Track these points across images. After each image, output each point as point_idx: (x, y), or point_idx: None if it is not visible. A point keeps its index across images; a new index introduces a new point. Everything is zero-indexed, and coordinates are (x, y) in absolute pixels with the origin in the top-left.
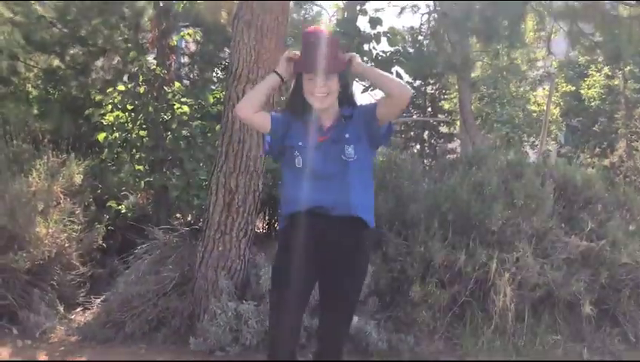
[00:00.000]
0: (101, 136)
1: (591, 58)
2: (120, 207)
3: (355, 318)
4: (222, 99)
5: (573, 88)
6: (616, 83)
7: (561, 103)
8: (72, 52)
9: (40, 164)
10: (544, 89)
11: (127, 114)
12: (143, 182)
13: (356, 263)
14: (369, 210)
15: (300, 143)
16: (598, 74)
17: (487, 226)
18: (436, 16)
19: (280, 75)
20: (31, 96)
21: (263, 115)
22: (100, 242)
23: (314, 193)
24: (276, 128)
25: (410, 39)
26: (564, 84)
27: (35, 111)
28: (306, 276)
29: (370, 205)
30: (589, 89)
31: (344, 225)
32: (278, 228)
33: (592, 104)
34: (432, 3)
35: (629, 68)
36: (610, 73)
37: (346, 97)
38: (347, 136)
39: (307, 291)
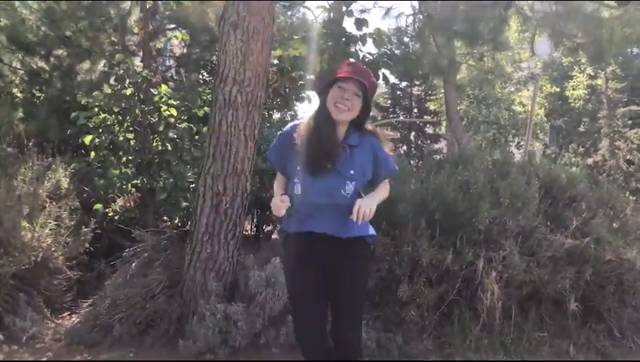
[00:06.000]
0: (87, 139)
1: (574, 59)
2: (107, 210)
3: None
4: (209, 101)
5: (558, 90)
6: (598, 83)
7: (546, 104)
8: (57, 54)
9: (25, 168)
10: (529, 90)
11: (113, 116)
12: (130, 184)
13: (356, 276)
14: (365, 226)
15: (299, 168)
16: (582, 75)
17: (474, 225)
18: (421, 17)
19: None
20: (16, 99)
21: (283, 180)
22: (87, 246)
23: (312, 220)
24: (274, 159)
25: (396, 41)
26: (548, 86)
27: (21, 115)
28: (319, 288)
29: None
30: (573, 90)
31: (342, 245)
32: (279, 238)
33: (576, 104)
34: (416, 5)
35: (610, 68)
36: (593, 73)
37: (362, 121)
38: (352, 172)
39: (324, 301)
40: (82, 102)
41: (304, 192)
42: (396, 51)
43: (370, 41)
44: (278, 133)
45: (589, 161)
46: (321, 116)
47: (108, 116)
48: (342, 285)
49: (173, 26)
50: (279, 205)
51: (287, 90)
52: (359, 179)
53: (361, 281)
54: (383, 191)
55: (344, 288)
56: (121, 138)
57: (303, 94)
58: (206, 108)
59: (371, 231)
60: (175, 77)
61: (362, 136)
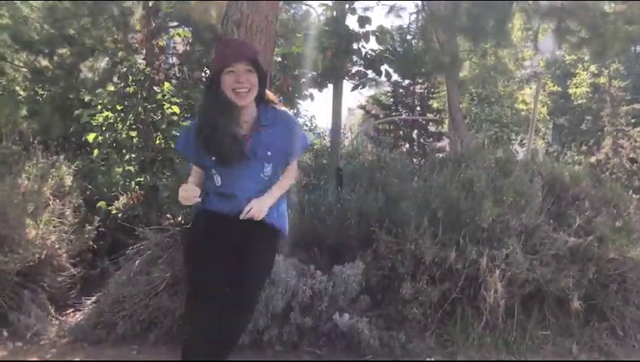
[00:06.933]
0: (91, 137)
1: (577, 55)
2: (110, 208)
3: (346, 316)
4: None
5: (560, 89)
6: (602, 81)
7: (548, 102)
8: (60, 52)
9: (29, 166)
10: (531, 88)
11: (116, 114)
12: (133, 182)
13: (253, 262)
14: (281, 217)
15: (214, 158)
16: (585, 72)
17: (477, 223)
18: (424, 15)
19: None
20: (19, 97)
21: (200, 172)
22: (91, 243)
23: (231, 202)
24: (189, 152)
25: (398, 38)
26: (551, 84)
27: (24, 112)
28: (218, 272)
29: (282, 213)
30: (576, 87)
31: (257, 227)
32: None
33: (579, 102)
34: (420, 2)
35: (614, 66)
36: (596, 71)
37: (262, 93)
38: (269, 153)
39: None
40: (85, 100)
41: (224, 182)
42: (399, 49)
43: (373, 38)
44: (189, 123)
45: (592, 159)
46: (223, 106)
47: (111, 114)
48: (245, 267)
49: (175, 23)
50: (190, 197)
51: (290, 88)
52: (276, 160)
53: (262, 268)
54: (284, 181)
55: (246, 271)
56: (124, 136)
57: (305, 92)
58: None
59: (285, 229)
60: (178, 75)
61: (275, 113)
